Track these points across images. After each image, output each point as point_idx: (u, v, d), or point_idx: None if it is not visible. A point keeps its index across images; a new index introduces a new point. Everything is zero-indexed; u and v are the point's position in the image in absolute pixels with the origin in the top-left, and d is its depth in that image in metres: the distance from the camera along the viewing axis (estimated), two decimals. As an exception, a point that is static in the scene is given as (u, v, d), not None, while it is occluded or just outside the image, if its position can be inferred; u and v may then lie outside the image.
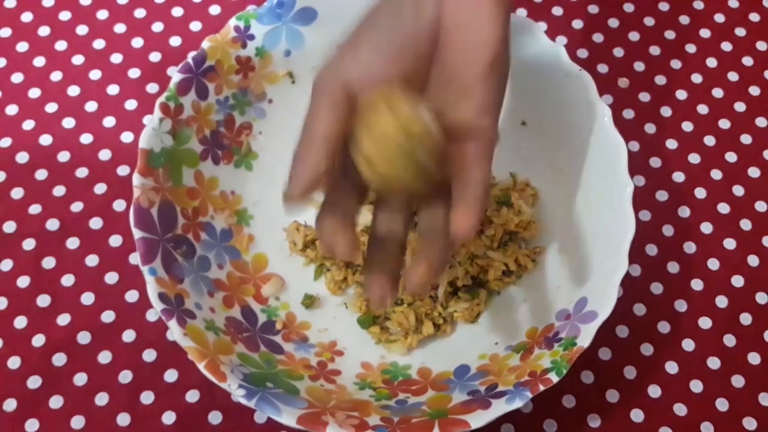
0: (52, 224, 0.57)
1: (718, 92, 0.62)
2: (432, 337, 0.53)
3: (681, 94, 0.62)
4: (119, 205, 0.57)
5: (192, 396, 0.52)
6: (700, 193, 0.59)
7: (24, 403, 0.52)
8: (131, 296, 0.55)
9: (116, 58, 0.62)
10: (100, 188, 0.58)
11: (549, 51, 0.53)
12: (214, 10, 0.64)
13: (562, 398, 0.53)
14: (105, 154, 0.59)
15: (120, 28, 0.63)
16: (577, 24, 0.64)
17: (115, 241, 0.56)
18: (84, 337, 0.54)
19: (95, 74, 0.62)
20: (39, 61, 0.62)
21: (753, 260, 0.57)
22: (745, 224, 0.58)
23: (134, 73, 0.62)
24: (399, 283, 0.44)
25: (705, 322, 0.55)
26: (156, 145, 0.50)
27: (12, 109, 0.60)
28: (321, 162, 0.40)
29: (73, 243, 0.56)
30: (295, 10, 0.54)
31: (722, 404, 0.53)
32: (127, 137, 0.59)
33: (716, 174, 0.60)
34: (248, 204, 0.56)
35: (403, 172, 0.39)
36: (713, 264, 0.57)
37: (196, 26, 0.64)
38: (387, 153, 0.38)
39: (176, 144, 0.52)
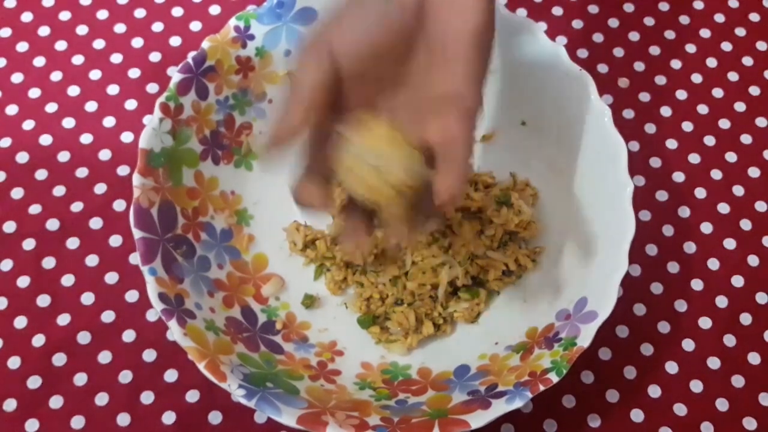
0: (52, 224, 0.57)
1: (718, 92, 0.62)
2: (432, 337, 0.53)
3: (681, 94, 0.62)
4: (119, 205, 0.57)
5: (192, 396, 0.52)
6: (700, 193, 0.59)
7: (24, 403, 0.52)
8: (131, 296, 0.55)
9: (116, 58, 0.62)
10: (100, 188, 0.58)
11: (549, 51, 0.53)
12: (214, 10, 0.64)
13: (562, 398, 0.53)
14: (105, 154, 0.59)
15: (120, 28, 0.63)
16: (577, 24, 0.64)
17: (115, 241, 0.56)
18: (84, 337, 0.54)
19: (95, 74, 0.62)
20: (39, 61, 0.62)
21: (753, 260, 0.57)
22: (745, 224, 0.58)
23: (134, 73, 0.62)
24: (373, 234, 0.45)
25: (705, 322, 0.55)
26: (156, 145, 0.50)
27: (12, 109, 0.60)
28: (306, 111, 0.41)
29: (73, 243, 0.56)
30: (295, 10, 0.54)
31: (722, 404, 0.53)
32: (127, 137, 0.59)
33: (716, 174, 0.60)
34: (248, 204, 0.56)
35: (381, 197, 0.41)
36: (713, 264, 0.57)
37: (196, 26, 0.64)
38: (362, 179, 0.41)
39: (176, 144, 0.52)
